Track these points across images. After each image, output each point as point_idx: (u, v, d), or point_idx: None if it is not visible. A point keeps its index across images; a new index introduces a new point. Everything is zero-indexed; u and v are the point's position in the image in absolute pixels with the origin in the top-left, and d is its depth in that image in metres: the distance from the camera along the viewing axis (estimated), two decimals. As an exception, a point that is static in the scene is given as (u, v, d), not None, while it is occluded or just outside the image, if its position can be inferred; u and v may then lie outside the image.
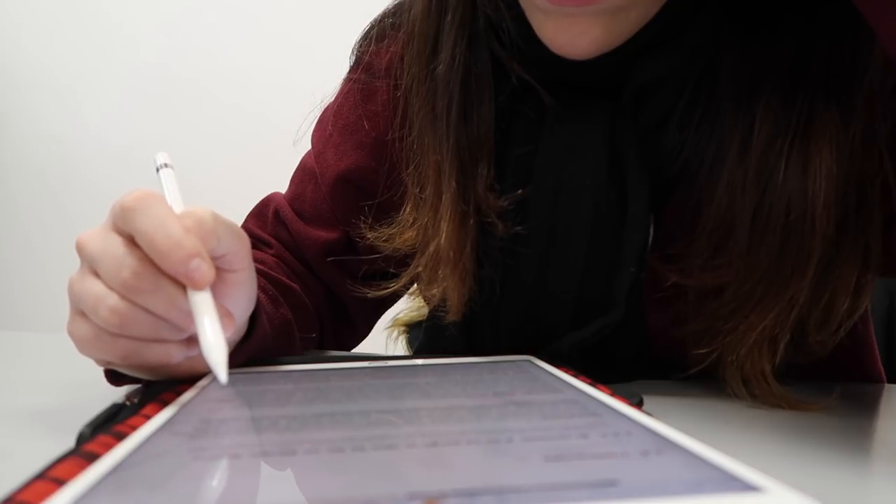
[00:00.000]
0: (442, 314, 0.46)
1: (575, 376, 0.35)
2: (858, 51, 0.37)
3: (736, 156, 0.39)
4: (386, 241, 0.48)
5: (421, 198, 0.46)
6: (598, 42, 0.37)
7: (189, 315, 0.32)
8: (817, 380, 0.44)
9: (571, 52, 0.38)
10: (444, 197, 0.44)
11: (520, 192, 0.43)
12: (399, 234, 0.47)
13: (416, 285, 0.49)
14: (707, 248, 0.40)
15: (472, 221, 0.43)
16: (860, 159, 0.38)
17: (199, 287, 0.32)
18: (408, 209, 0.47)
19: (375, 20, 0.53)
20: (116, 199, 0.33)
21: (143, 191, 0.32)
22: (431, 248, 0.44)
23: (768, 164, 0.38)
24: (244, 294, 0.37)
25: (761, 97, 0.38)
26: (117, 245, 0.32)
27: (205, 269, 0.32)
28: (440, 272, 0.44)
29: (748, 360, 0.40)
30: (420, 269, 0.45)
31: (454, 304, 0.44)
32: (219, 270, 0.34)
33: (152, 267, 0.32)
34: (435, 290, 0.44)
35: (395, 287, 0.48)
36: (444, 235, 0.43)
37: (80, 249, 0.34)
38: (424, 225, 0.45)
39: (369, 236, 0.49)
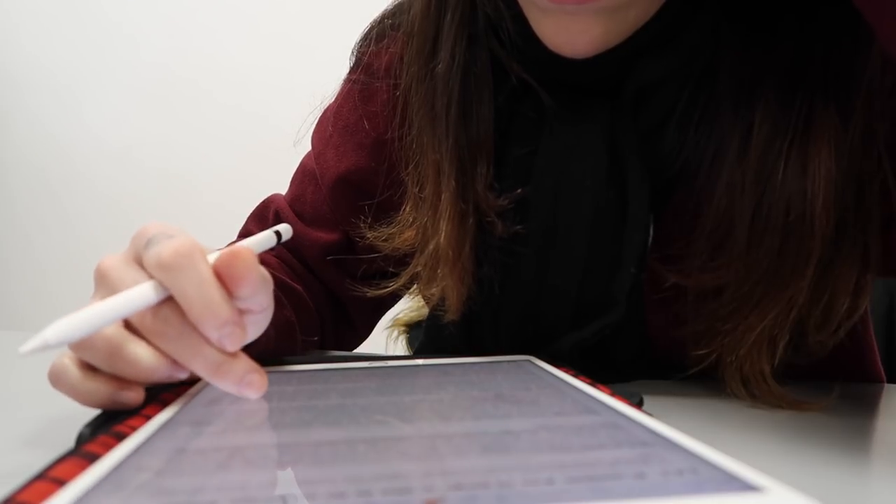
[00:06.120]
0: (441, 314, 0.46)
1: (575, 376, 0.35)
2: (857, 51, 0.37)
3: (735, 156, 0.39)
4: (385, 240, 0.48)
5: (420, 197, 0.46)
6: (597, 41, 0.37)
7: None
8: (817, 380, 0.44)
9: (570, 50, 0.38)
10: (443, 196, 0.44)
11: (519, 191, 0.43)
12: (399, 233, 0.47)
13: (415, 285, 0.49)
14: (706, 248, 0.40)
15: (471, 221, 0.43)
16: (859, 159, 0.38)
17: (228, 351, 0.30)
18: (407, 209, 0.47)
19: (375, 21, 0.53)
20: (143, 229, 0.31)
21: (183, 245, 0.30)
22: (431, 248, 0.44)
23: (767, 164, 0.38)
24: (258, 331, 0.35)
25: (760, 97, 0.38)
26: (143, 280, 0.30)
27: (237, 335, 0.30)
28: (439, 271, 0.44)
29: (748, 360, 0.40)
30: (419, 268, 0.45)
31: (453, 304, 0.44)
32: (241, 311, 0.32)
33: (183, 315, 0.30)
34: (434, 290, 0.44)
35: (395, 286, 0.48)
36: (443, 234, 0.43)
37: (102, 278, 0.32)
38: (424, 224, 0.45)
39: (369, 236, 0.49)
